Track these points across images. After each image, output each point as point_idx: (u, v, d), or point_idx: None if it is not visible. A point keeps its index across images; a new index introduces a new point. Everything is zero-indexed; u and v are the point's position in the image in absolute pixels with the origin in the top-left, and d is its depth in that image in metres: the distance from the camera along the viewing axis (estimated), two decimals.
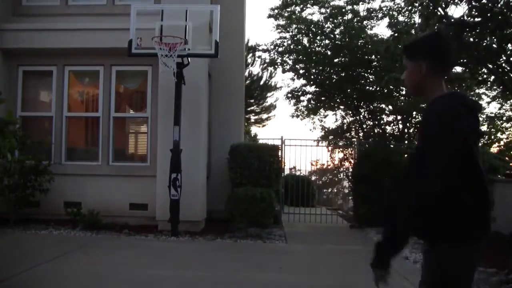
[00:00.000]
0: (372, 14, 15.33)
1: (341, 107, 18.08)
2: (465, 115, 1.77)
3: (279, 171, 8.68)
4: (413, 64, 1.99)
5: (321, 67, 16.26)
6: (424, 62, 1.94)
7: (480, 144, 2.30)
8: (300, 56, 16.33)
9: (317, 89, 17.42)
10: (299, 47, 16.16)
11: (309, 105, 18.11)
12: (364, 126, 17.77)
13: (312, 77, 16.92)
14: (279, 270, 5.17)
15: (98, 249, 5.96)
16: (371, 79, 16.12)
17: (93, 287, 4.41)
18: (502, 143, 16.98)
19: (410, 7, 10.75)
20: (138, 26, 6.95)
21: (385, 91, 14.98)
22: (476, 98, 13.69)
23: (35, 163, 7.29)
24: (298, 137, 29.46)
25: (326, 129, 18.51)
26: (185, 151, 7.05)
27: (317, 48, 16.13)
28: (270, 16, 16.64)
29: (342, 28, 15.20)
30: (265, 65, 19.70)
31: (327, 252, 6.41)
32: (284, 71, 17.72)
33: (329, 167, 14.63)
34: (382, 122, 17.45)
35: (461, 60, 8.34)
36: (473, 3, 7.76)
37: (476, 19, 7.66)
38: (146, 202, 7.70)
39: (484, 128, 15.92)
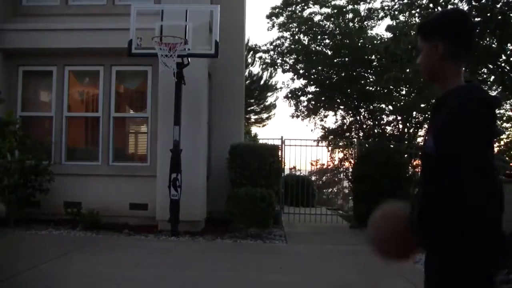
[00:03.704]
0: (373, 14, 15.35)
1: (341, 107, 18.09)
2: (482, 116, 1.55)
3: (279, 171, 8.68)
4: (428, 45, 1.70)
5: (320, 67, 16.28)
6: (441, 42, 1.66)
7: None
8: (300, 57, 16.35)
9: (317, 89, 17.44)
10: (299, 47, 16.17)
11: (309, 105, 18.12)
12: (364, 126, 17.78)
13: (312, 77, 16.94)
14: (279, 270, 5.17)
15: (98, 249, 5.96)
16: (371, 79, 16.14)
17: (93, 287, 4.41)
18: (502, 143, 16.99)
19: (409, 8, 10.77)
20: (138, 26, 6.95)
21: (385, 91, 14.99)
22: None
23: (35, 163, 7.29)
24: (298, 137, 29.50)
25: (326, 129, 18.52)
26: (185, 151, 7.05)
27: (317, 48, 16.15)
28: (271, 15, 16.64)
29: (343, 26, 15.21)
30: (265, 65, 19.74)
31: (327, 252, 6.41)
32: (284, 71, 17.76)
33: (329, 167, 14.63)
34: (382, 122, 17.46)
35: None
36: (473, 3, 7.77)
37: (476, 19, 7.67)
38: (146, 202, 7.70)
39: None
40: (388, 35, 12.07)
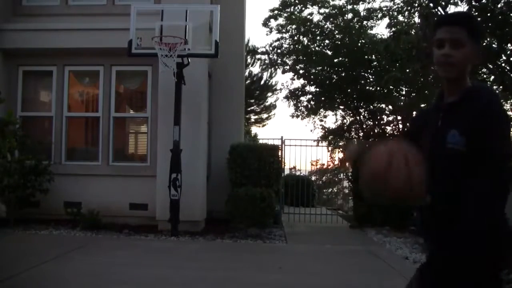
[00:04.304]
0: (372, 14, 15.34)
1: (341, 107, 18.08)
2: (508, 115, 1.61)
3: (279, 171, 8.68)
4: (473, 45, 1.72)
5: (320, 67, 16.27)
6: (479, 46, 1.77)
7: None
8: (300, 57, 16.35)
9: (317, 89, 17.43)
10: (300, 46, 16.16)
11: (309, 105, 18.11)
12: (364, 126, 17.77)
13: (312, 77, 16.94)
14: (279, 270, 5.17)
15: (98, 249, 5.96)
16: (371, 79, 16.12)
17: (93, 287, 4.41)
18: None
19: (409, 7, 10.76)
20: (138, 26, 6.95)
21: (385, 91, 14.98)
22: None
23: (35, 163, 7.29)
24: (298, 137, 29.50)
25: (326, 129, 18.52)
26: (185, 151, 7.05)
27: (317, 48, 16.14)
28: (266, 21, 16.63)
29: (342, 25, 15.20)
30: (265, 65, 19.77)
31: (327, 252, 6.41)
32: (284, 72, 17.74)
33: (329, 167, 14.62)
34: (382, 122, 17.44)
35: None
36: (473, 3, 7.77)
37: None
38: (146, 202, 7.70)
39: None
40: (388, 34, 12.08)
